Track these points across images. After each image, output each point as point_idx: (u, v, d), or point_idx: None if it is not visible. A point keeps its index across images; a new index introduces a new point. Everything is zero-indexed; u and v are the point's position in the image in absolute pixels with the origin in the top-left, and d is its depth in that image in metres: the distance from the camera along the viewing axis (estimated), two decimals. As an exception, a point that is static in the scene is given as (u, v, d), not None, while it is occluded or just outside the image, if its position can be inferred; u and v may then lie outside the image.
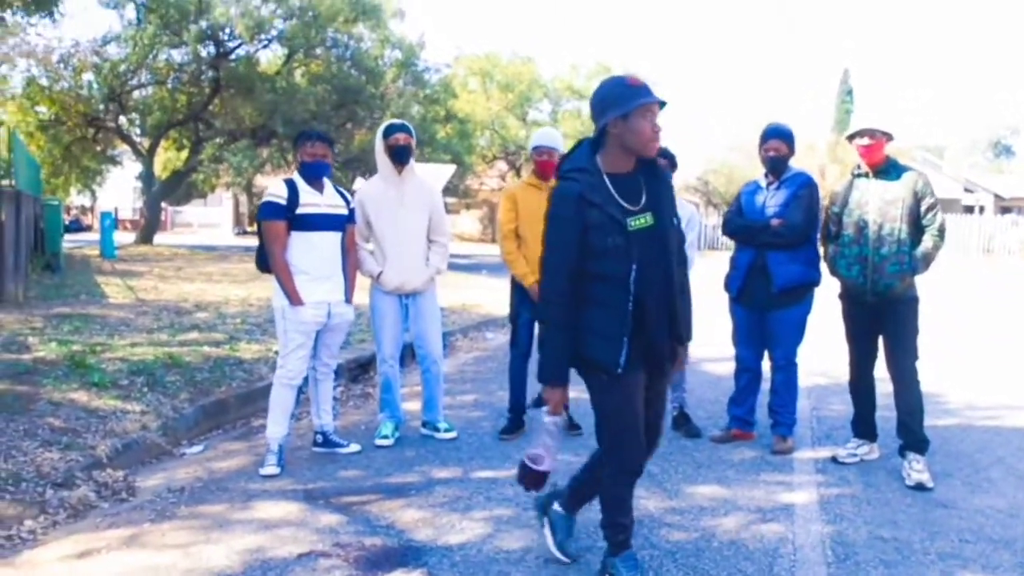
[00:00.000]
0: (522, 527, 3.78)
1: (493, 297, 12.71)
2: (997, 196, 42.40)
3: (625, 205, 2.96)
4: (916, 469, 4.45)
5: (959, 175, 41.60)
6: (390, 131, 5.06)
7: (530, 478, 3.23)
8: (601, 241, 2.92)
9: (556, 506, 3.49)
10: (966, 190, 40.71)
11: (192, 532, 3.70)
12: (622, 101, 2.90)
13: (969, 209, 39.41)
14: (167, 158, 28.35)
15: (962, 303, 14.76)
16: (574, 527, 3.52)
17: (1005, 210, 42.35)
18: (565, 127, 36.83)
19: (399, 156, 5.03)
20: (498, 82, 36.89)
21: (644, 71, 59.38)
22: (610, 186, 2.97)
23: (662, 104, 2.93)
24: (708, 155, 42.96)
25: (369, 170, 24.19)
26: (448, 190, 22.46)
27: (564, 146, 5.41)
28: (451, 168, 14.46)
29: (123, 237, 27.40)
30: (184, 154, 25.62)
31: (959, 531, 3.81)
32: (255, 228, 4.89)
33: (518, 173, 39.82)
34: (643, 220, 2.97)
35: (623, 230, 2.93)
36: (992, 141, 64.24)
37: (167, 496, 4.17)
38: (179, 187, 27.98)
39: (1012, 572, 3.40)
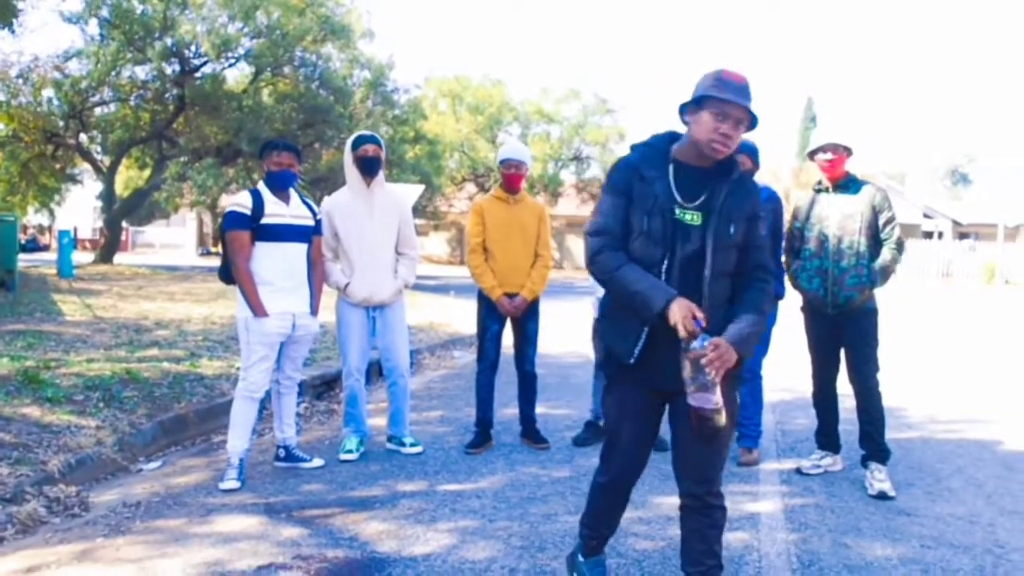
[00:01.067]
0: (488, 538, 3.74)
1: (461, 316, 12.70)
2: (955, 222, 43.26)
3: (676, 195, 2.78)
4: (878, 479, 4.49)
5: (919, 201, 42.45)
6: (359, 142, 5.04)
7: (708, 426, 2.68)
8: (640, 221, 2.77)
9: (579, 557, 3.23)
10: (925, 216, 41.51)
11: (147, 547, 3.62)
12: (703, 89, 2.74)
13: (928, 234, 40.19)
14: (129, 177, 28.09)
15: (922, 325, 15.00)
16: (604, 566, 3.25)
17: (963, 236, 43.21)
18: (534, 150, 37.05)
19: (368, 168, 5.02)
20: (468, 104, 37.02)
21: (612, 95, 59.95)
22: (671, 172, 2.81)
23: (752, 116, 2.74)
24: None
25: (336, 190, 24.20)
26: (416, 211, 22.44)
27: (531, 161, 5.46)
28: (419, 188, 14.44)
29: (82, 257, 27.05)
30: (147, 173, 25.40)
31: (920, 537, 3.85)
32: (218, 249, 4.84)
33: (486, 194, 39.83)
34: (691, 216, 2.75)
35: (665, 216, 2.75)
36: (950, 169, 65.58)
37: (122, 511, 4.07)
38: (141, 206, 27.69)
39: (973, 577, 3.43)
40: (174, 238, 43.57)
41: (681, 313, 2.61)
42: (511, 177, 5.25)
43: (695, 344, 2.59)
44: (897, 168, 54.41)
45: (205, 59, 21.82)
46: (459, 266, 41.08)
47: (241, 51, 21.97)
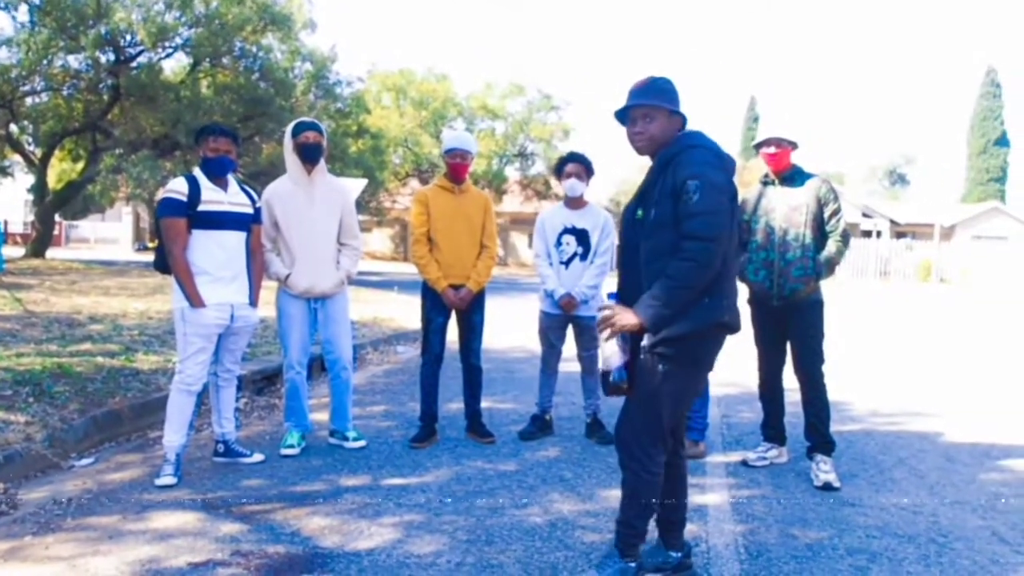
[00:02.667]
0: (433, 532, 3.69)
1: (405, 312, 12.58)
2: (893, 222, 44.37)
3: (639, 196, 3.16)
4: (824, 470, 4.55)
5: (858, 201, 43.46)
6: (299, 129, 4.93)
7: (612, 387, 3.08)
8: None
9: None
10: (864, 215, 42.52)
11: (79, 544, 3.49)
12: None
13: (867, 234, 41.16)
14: (62, 169, 27.20)
15: (862, 322, 15.32)
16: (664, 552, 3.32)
17: (900, 235, 44.35)
18: (480, 146, 36.96)
19: (309, 155, 4.91)
20: (412, 99, 36.80)
21: (557, 91, 60.11)
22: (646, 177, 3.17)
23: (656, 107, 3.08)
24: (621, 177, 43.76)
25: (277, 183, 23.79)
26: (360, 206, 22.23)
27: (477, 150, 5.40)
28: (362, 182, 14.26)
29: (13, 251, 26.17)
30: (80, 165, 24.62)
31: (866, 528, 3.90)
32: (155, 243, 4.68)
33: (431, 191, 39.64)
34: (640, 213, 3.09)
35: (627, 218, 3.16)
36: (889, 169, 67.31)
37: (52, 508, 3.92)
38: (74, 199, 26.83)
39: (917, 564, 3.48)
40: (109, 233, 42.47)
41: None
42: (456, 167, 5.19)
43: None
44: (836, 168, 55.64)
45: (141, 48, 21.23)
46: (403, 262, 40.81)
47: (178, 40, 21.42)
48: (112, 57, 21.29)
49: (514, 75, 60.87)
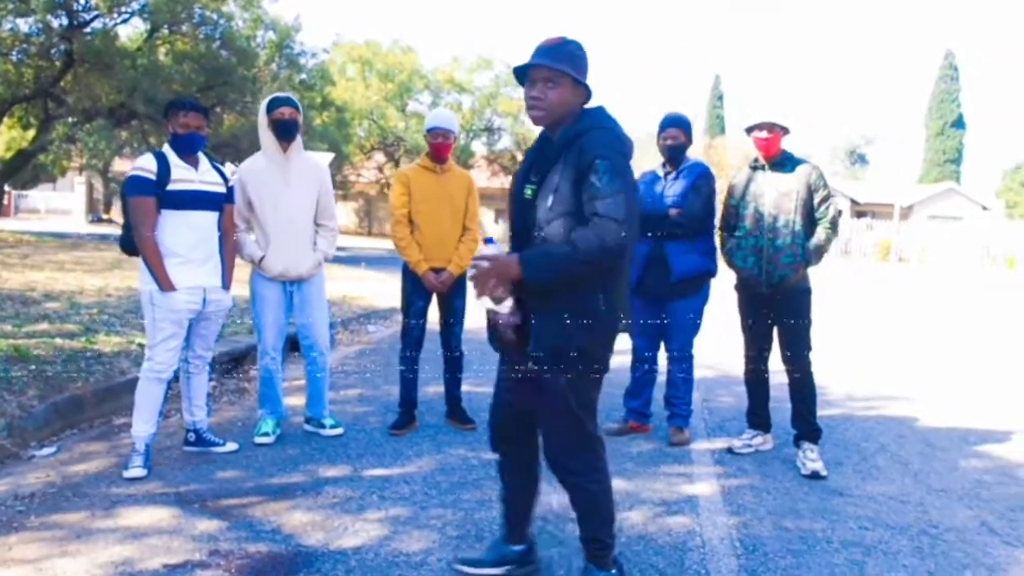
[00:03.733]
0: (421, 527, 3.57)
1: (374, 289, 12.41)
2: (853, 201, 44.91)
3: (530, 172, 2.87)
4: (811, 458, 4.51)
5: (824, 182, 43.84)
6: (274, 104, 4.72)
7: (503, 338, 2.88)
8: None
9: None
10: (827, 194, 42.89)
11: (45, 544, 3.31)
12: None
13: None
14: (11, 137, 26.36)
15: (828, 303, 15.44)
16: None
17: (860, 214, 44.95)
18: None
19: (284, 131, 4.70)
20: (378, 71, 36.26)
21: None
22: (536, 148, 2.91)
23: (542, 68, 2.74)
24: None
25: (239, 156, 23.22)
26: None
27: (459, 129, 5.24)
28: (329, 156, 13.98)
29: (-40, 222, 25.40)
30: (31, 133, 23.85)
31: (857, 519, 3.86)
32: (111, 216, 4.47)
33: (396, 164, 39.28)
34: (528, 191, 2.81)
35: (515, 194, 2.89)
36: (849, 150, 68.04)
37: (14, 504, 3.72)
38: (24, 169, 26.08)
39: (912, 557, 3.45)
40: (62, 203, 41.36)
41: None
42: (438, 146, 5.03)
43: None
44: (801, 149, 56.02)
45: (95, 13, 20.54)
46: (368, 237, 40.42)
47: (135, 6, 20.74)
48: (65, 21, 20.54)
49: (482, 49, 60.37)
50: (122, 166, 31.67)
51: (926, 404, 6.50)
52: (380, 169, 39.98)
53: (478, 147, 39.55)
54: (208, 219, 4.36)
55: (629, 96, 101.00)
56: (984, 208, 46.05)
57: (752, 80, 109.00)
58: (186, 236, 4.27)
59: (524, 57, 2.84)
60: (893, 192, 43.63)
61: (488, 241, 2.89)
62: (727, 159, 36.30)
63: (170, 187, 4.20)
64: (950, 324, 12.95)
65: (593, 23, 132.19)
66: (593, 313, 2.69)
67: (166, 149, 4.32)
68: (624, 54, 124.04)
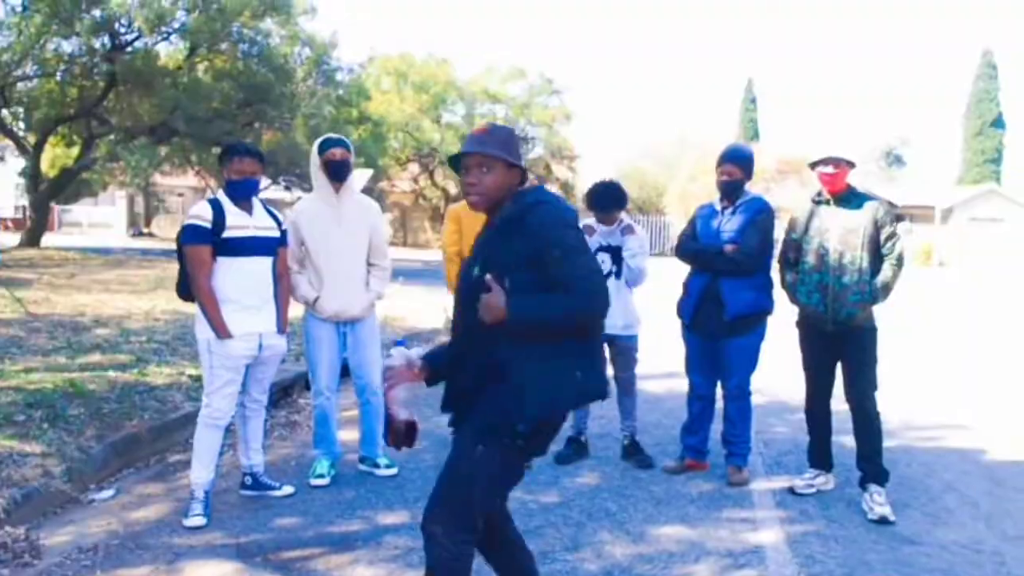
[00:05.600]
0: (486, 584, 3.50)
1: (413, 308, 12.37)
2: (890, 204, 44.18)
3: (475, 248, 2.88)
4: (878, 502, 4.38)
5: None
6: (326, 146, 4.70)
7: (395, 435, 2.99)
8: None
9: None
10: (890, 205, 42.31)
11: (113, 602, 3.30)
12: None
13: (892, 215, 41.08)
14: (56, 155, 26.78)
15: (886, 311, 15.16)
16: None
17: (898, 218, 44.18)
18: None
19: (336, 173, 4.68)
20: (412, 83, 36.39)
21: (558, 75, 59.75)
22: (483, 229, 2.90)
23: (481, 155, 2.75)
24: (619, 161, 43.52)
25: (277, 172, 23.42)
26: (363, 193, 21.79)
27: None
28: (368, 172, 13.98)
29: (6, 238, 25.84)
30: (75, 151, 24.23)
31: (931, 571, 3.74)
32: (151, 229, 4.47)
33: (431, 176, 39.39)
34: (476, 270, 2.76)
35: (464, 274, 2.89)
36: (885, 151, 67.05)
37: (78, 557, 3.72)
38: (69, 186, 26.49)
39: (993, 619, 3.32)
40: (103, 217, 41.92)
41: None
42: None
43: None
44: (854, 150, 55.36)
45: (137, 33, 20.85)
46: (402, 247, 40.56)
47: (175, 25, 21.02)
48: (107, 42, 20.88)
49: (515, 59, 60.45)
50: (162, 181, 32.08)
51: (988, 434, 6.32)
52: (415, 180, 40.12)
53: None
54: (263, 264, 4.34)
55: (658, 101, 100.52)
56: (1026, 209, 45.12)
57: (786, 83, 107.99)
58: (242, 282, 4.25)
59: (560, 66, 2.86)
60: (932, 194, 42.91)
61: (401, 343, 3.02)
62: (761, 164, 35.84)
63: (226, 234, 4.19)
64: (997, 334, 12.66)
65: (623, 27, 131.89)
66: (569, 385, 2.67)
67: (220, 195, 4.31)
68: (655, 58, 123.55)
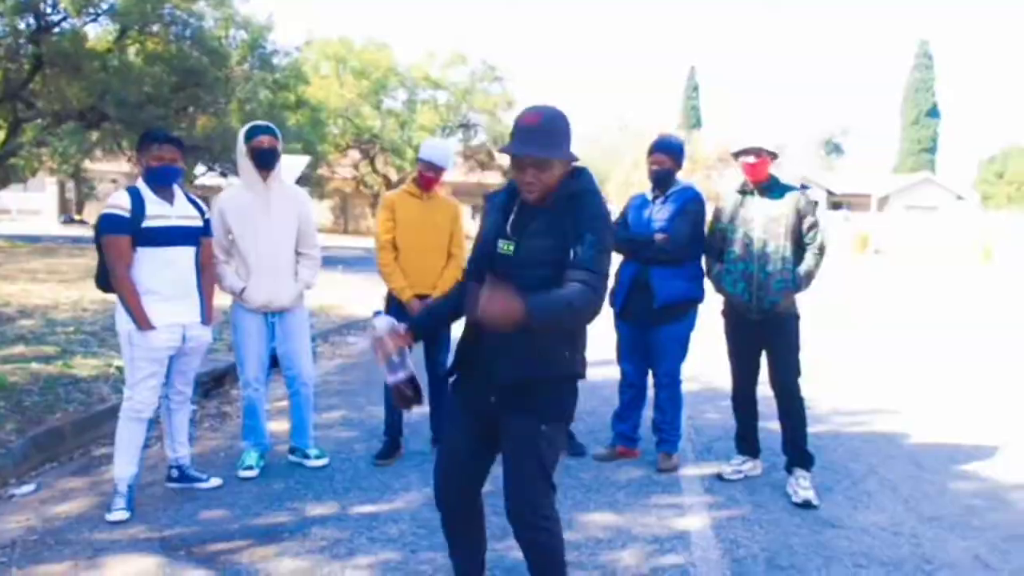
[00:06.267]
0: (411, 574, 3.52)
1: (352, 296, 12.30)
2: (829, 192, 45.19)
3: (507, 229, 2.86)
4: (803, 486, 4.50)
5: (796, 172, 44.06)
6: (253, 133, 4.63)
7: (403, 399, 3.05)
8: (475, 252, 2.98)
9: None
10: (803, 187, 43.09)
11: (28, 600, 3.24)
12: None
13: (813, 204, 41.92)
14: (-20, 140, 25.92)
15: (808, 302, 15.51)
16: None
17: (836, 205, 45.23)
18: (422, 118, 36.35)
19: (264, 161, 4.62)
20: (352, 68, 36.00)
21: (500, 62, 59.65)
22: (514, 209, 2.88)
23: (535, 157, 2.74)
24: (579, 132, 43.64)
25: (214, 158, 22.96)
26: (299, 179, 21.53)
27: (452, 165, 5.20)
28: (305, 159, 13.84)
29: (-72, 226, 24.99)
30: (0, 136, 23.47)
31: (852, 555, 3.84)
32: (83, 217, 4.37)
33: (372, 163, 39.05)
34: (507, 247, 2.83)
35: (488, 247, 2.90)
36: (824, 140, 68.40)
37: (-6, 554, 3.65)
38: (-5, 171, 25.65)
39: (907, 598, 3.45)
40: (33, 204, 40.79)
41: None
42: (426, 179, 4.99)
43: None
44: (776, 139, 56.27)
45: (63, 14, 20.23)
46: (343, 235, 40.22)
47: (104, 6, 20.41)
48: (33, 23, 20.22)
49: (457, 44, 60.12)
50: (94, 167, 31.26)
51: (912, 417, 6.54)
52: (355, 167, 39.77)
53: (454, 144, 39.49)
54: (185, 254, 4.28)
55: (601, 89, 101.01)
56: (959, 198, 46.51)
57: (728, 71, 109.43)
58: (163, 273, 4.18)
59: (502, 53, 2.84)
60: (869, 182, 43.92)
61: (377, 314, 3.06)
62: (703, 152, 36.34)
63: (145, 224, 4.11)
64: (929, 320, 13.05)
65: (566, 14, 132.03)
66: (562, 366, 2.83)
67: (140, 184, 4.22)
68: (597, 46, 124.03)
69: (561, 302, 2.62)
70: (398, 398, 3.02)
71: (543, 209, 2.81)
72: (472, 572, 3.14)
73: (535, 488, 2.83)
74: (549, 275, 2.71)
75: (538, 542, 2.87)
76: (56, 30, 20.44)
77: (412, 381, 2.97)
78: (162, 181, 4.22)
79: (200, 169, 25.01)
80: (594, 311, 2.69)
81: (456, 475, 3.01)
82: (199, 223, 4.36)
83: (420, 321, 3.21)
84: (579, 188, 2.82)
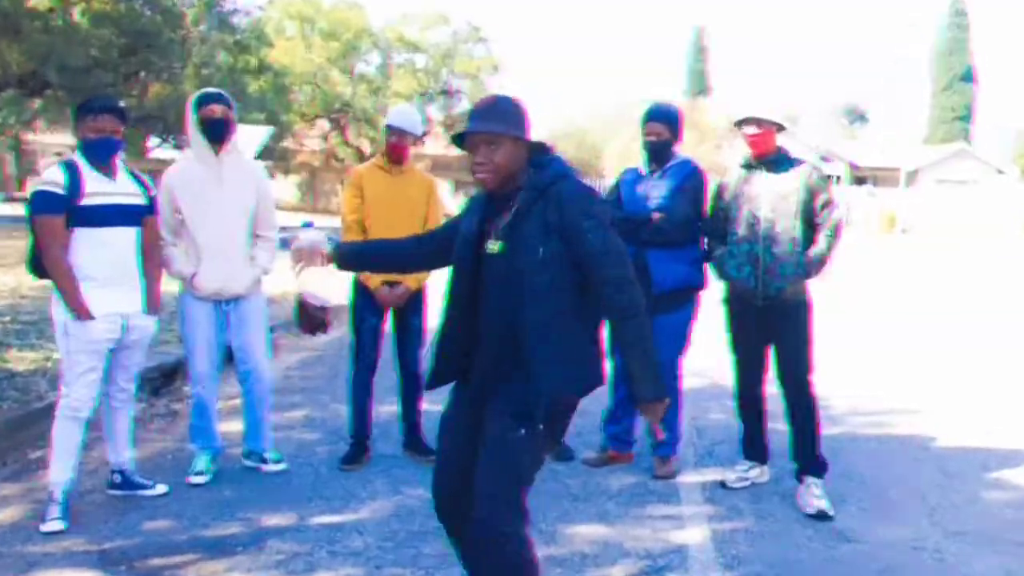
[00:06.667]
0: (376, 591, 3.52)
1: (317, 281, 12.22)
2: (853, 165, 45.18)
3: (488, 227, 3.01)
4: (815, 495, 4.49)
5: (814, 144, 44.02)
6: (203, 101, 4.59)
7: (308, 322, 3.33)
8: (456, 252, 3.07)
9: None
10: (823, 159, 43.18)
11: (-50, 623, 3.22)
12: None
13: (826, 180, 41.92)
14: (-91, 108, 25.76)
15: (826, 289, 15.52)
16: None
17: (860, 180, 45.23)
18: (398, 84, 36.17)
19: (215, 132, 4.58)
20: (320, 29, 35.89)
21: (485, 23, 59.36)
22: (487, 204, 3.04)
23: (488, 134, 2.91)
24: (556, 120, 43.60)
25: (167, 129, 22.84)
26: (262, 152, 21.47)
27: (420, 130, 5.16)
28: (266, 130, 13.79)
29: None
30: (-69, 104, 23.32)
31: (867, 573, 3.85)
32: (25, 194, 4.35)
33: (342, 133, 38.92)
34: (496, 246, 2.96)
35: (472, 249, 3.01)
36: (847, 108, 68.43)
37: (-86, 570, 3.63)
38: (-76, 143, 25.53)
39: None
40: (-32, 180, 40.53)
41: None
42: (393, 146, 4.96)
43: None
44: (791, 108, 56.16)
45: (1, -30, 20.08)
46: (310, 212, 40.10)
47: (46, -39, 20.28)
48: (-34, -20, 20.05)
49: (437, 3, 59.93)
50: (38, 139, 31.05)
51: (939, 418, 6.53)
52: (325, 138, 39.65)
53: (434, 112, 39.37)
54: (127, 235, 4.25)
55: (599, 57, 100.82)
56: (1000, 172, 46.35)
57: (739, 31, 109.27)
58: (102, 256, 4.16)
59: (487, 13, 2.94)
60: (897, 154, 43.75)
61: (307, 226, 3.20)
62: (710, 122, 36.24)
63: (83, 202, 4.08)
64: (960, 307, 13.04)
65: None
66: (590, 368, 2.98)
67: (77, 158, 4.19)
68: (593, 3, 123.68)
69: (647, 354, 2.87)
70: (305, 318, 3.23)
71: (525, 201, 2.91)
72: None
73: (503, 492, 2.89)
74: (548, 282, 2.86)
75: (495, 549, 2.87)
76: (-7, -13, 20.27)
77: (324, 309, 3.20)
78: (101, 154, 4.19)
79: (154, 141, 24.89)
80: (641, 297, 2.92)
81: (453, 482, 3.07)
82: (142, 201, 4.33)
83: (346, 251, 3.40)
84: (551, 176, 2.95)
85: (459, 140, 3.01)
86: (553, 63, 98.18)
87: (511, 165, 2.91)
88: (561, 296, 2.88)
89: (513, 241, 2.90)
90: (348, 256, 3.37)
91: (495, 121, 2.91)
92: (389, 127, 5.00)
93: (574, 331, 2.92)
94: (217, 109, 4.58)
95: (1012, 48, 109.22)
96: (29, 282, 10.78)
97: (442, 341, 3.08)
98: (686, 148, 5.01)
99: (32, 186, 4.21)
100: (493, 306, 2.94)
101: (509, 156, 2.89)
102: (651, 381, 2.85)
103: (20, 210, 4.18)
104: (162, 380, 6.82)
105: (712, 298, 4.94)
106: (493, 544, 2.84)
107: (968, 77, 56.97)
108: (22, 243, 15.82)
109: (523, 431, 2.87)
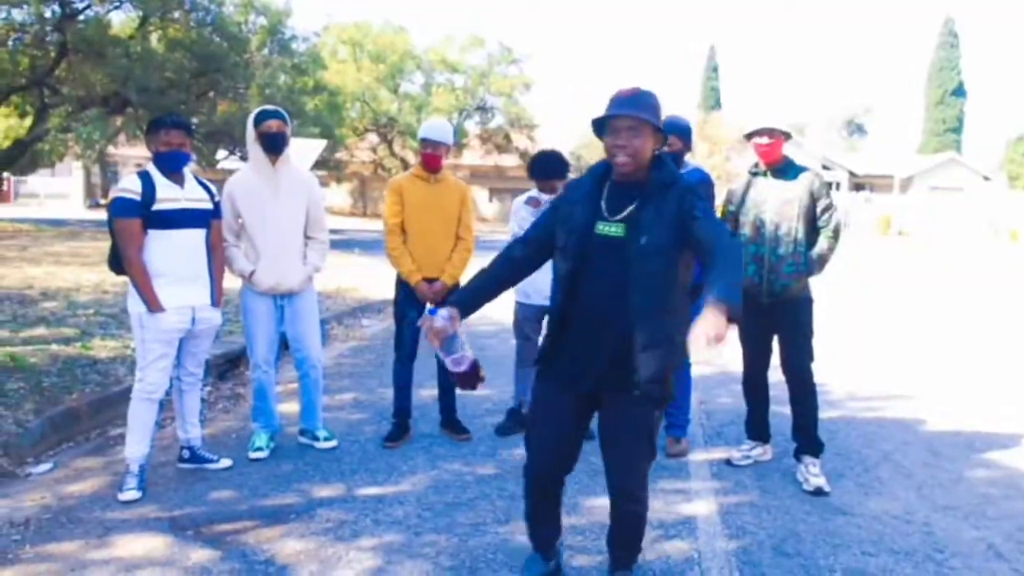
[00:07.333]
0: (415, 556, 3.51)
1: (368, 278, 12.31)
2: (851, 173, 44.65)
3: (603, 210, 2.92)
4: (813, 473, 4.44)
5: (818, 152, 43.56)
6: (261, 118, 4.62)
7: (461, 380, 3.15)
8: (560, 236, 2.97)
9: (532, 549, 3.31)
10: (824, 167, 42.67)
11: (38, 579, 3.26)
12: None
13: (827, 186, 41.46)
14: (8, 126, 26.15)
15: (827, 284, 15.37)
16: (544, 565, 3.29)
17: (858, 187, 44.68)
18: (438, 101, 36.22)
19: (272, 145, 4.61)
20: (369, 52, 35.98)
21: (517, 44, 59.23)
22: (605, 189, 2.95)
23: (649, 122, 2.84)
24: (582, 130, 43.39)
25: (233, 143, 23.05)
26: (317, 163, 21.57)
27: (452, 140, 5.14)
28: (321, 143, 13.82)
29: (-42, 211, 25.28)
30: (28, 122, 23.65)
31: (860, 542, 3.79)
32: (107, 201, 4.39)
33: (390, 146, 39.05)
34: (613, 229, 2.88)
35: (584, 231, 2.90)
36: (847, 120, 67.56)
37: (9, 532, 3.66)
38: (22, 157, 25.88)
39: (915, 585, 3.39)
40: (60, 188, 41.18)
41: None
42: (428, 157, 4.94)
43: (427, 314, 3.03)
44: (797, 119, 55.60)
45: (88, 2, 20.32)
46: (361, 217, 40.34)
47: (127, -7, 20.51)
48: (58, 10, 20.33)
49: (474, 27, 59.89)
50: (119, 152, 31.48)
51: (929, 403, 6.44)
52: (374, 150, 39.81)
53: (471, 126, 39.37)
54: (195, 237, 4.28)
55: (619, 70, 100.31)
56: (986, 179, 45.72)
57: (748, 50, 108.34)
58: (173, 255, 4.19)
59: (519, 35, 2.88)
60: (892, 163, 43.22)
61: (432, 312, 3.04)
62: (722, 134, 35.97)
63: (156, 207, 4.12)
64: (953, 304, 12.88)
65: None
66: (675, 341, 2.89)
67: (150, 168, 4.23)
68: (616, 27, 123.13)
69: (736, 272, 2.74)
70: (464, 382, 3.12)
71: (645, 196, 2.86)
72: (554, 539, 3.28)
73: (643, 468, 3.05)
74: (660, 270, 2.83)
75: (638, 514, 3.10)
76: (80, 17, 20.56)
77: (474, 364, 3.07)
78: (171, 165, 4.23)
79: (221, 153, 25.13)
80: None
81: (558, 456, 3.09)
82: (209, 205, 4.36)
83: (467, 303, 3.14)
84: (674, 173, 2.96)
85: (598, 126, 2.94)
86: (579, 79, 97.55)
87: (647, 152, 2.86)
88: (673, 280, 2.88)
89: (638, 225, 2.83)
90: (468, 306, 3.12)
91: (641, 108, 2.83)
92: (423, 140, 4.97)
93: (680, 313, 2.91)
94: (273, 124, 4.61)
95: (1000, 65, 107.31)
96: (111, 279, 10.94)
97: (553, 326, 3.02)
98: (700, 158, 4.94)
99: (112, 193, 4.26)
100: (602, 290, 2.86)
101: (648, 144, 2.85)
102: (738, 297, 2.64)
103: (104, 215, 4.25)
104: (227, 366, 6.87)
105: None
106: (638, 512, 3.07)
107: (959, 92, 56.18)
108: (105, 244, 16.11)
109: (657, 413, 2.96)
